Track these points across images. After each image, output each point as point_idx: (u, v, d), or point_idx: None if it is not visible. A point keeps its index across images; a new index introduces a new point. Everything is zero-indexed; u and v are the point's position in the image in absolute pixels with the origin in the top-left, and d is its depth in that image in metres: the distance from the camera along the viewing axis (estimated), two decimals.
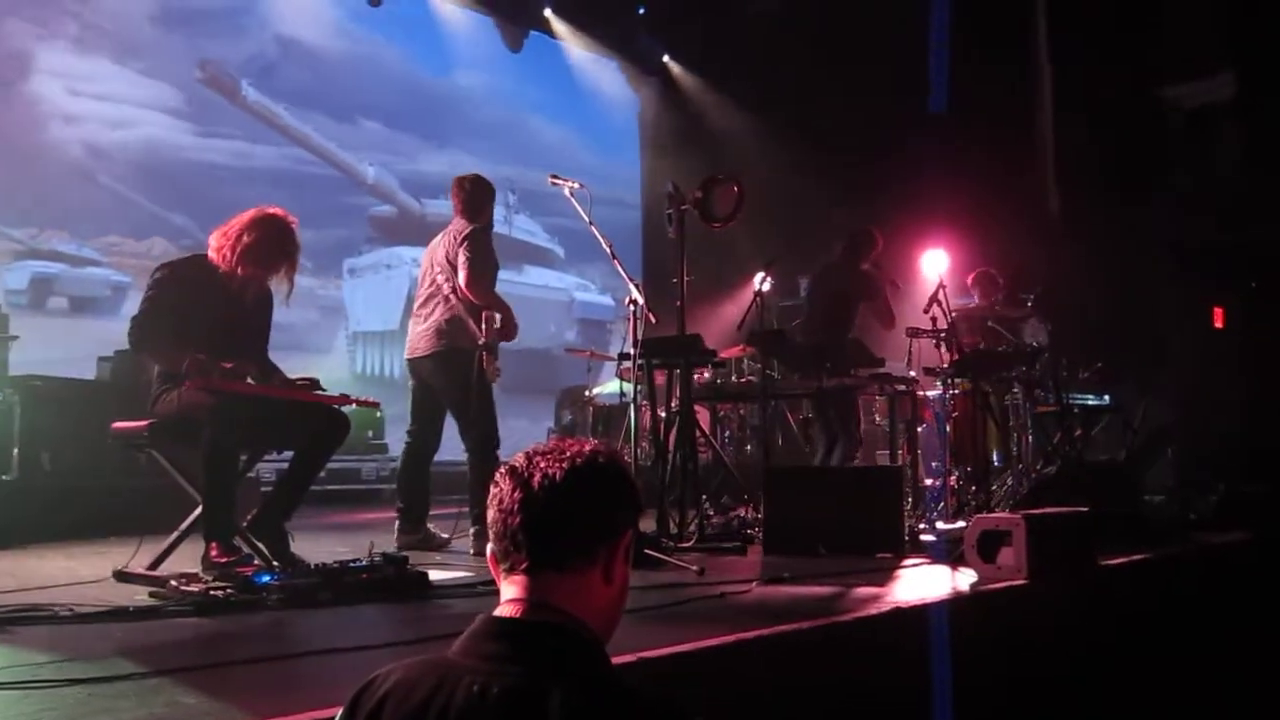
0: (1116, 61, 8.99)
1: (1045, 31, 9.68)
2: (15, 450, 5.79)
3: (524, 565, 1.36)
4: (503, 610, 1.37)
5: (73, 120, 8.87)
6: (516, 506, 1.36)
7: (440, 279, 5.33)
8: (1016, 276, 7.71)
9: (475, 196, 5.49)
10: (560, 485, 1.35)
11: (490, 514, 1.40)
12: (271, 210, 4.26)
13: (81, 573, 4.00)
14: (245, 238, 4.11)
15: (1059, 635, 3.96)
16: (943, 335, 6.32)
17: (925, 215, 8.44)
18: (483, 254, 5.29)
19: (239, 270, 4.12)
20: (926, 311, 6.45)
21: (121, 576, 3.75)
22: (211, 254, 4.16)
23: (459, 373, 5.13)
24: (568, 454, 1.38)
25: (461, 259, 5.20)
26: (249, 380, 4.05)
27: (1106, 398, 7.47)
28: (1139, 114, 9.36)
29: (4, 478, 5.74)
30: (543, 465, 1.37)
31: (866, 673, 3.14)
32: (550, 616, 1.34)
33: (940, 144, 8.91)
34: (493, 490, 1.40)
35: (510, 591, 1.38)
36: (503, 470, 1.40)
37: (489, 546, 1.43)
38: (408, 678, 1.31)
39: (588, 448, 1.41)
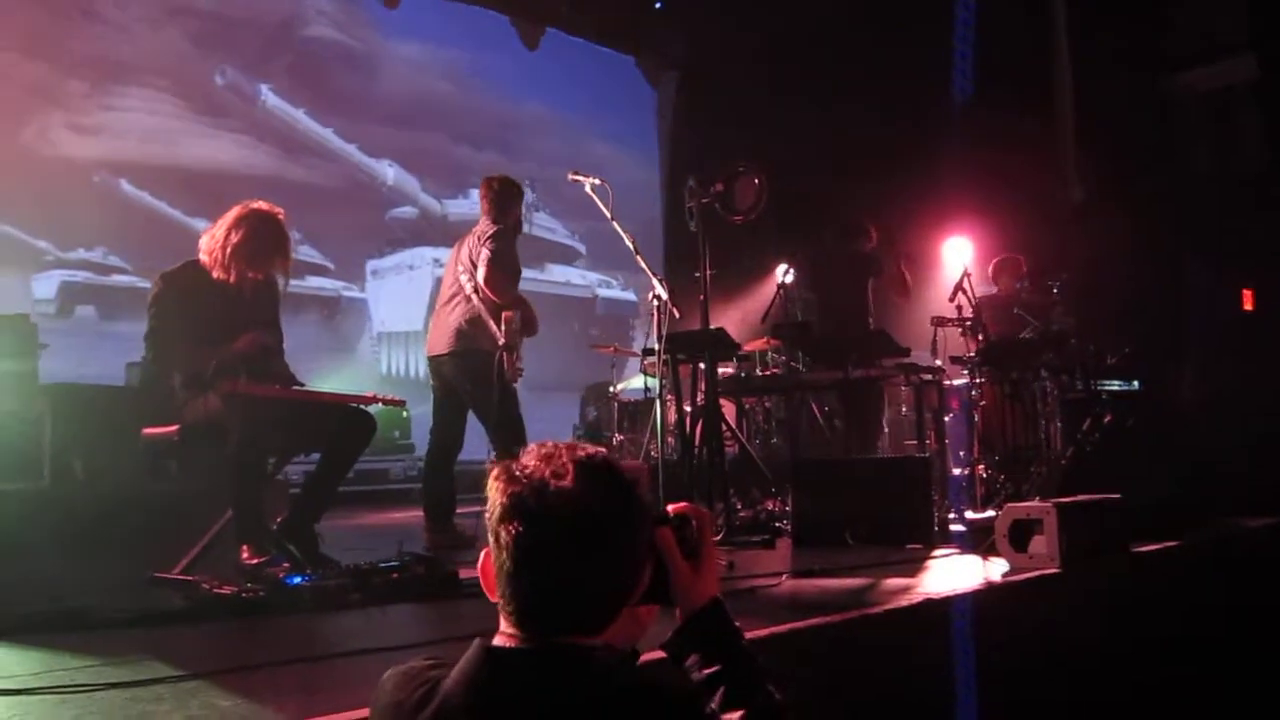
0: (1137, 45, 8.92)
1: (1064, 16, 9.60)
2: (47, 458, 5.83)
3: (517, 621, 1.27)
4: (500, 640, 1.29)
5: (95, 131, 8.95)
6: (509, 563, 1.25)
7: (463, 279, 5.35)
8: (1041, 263, 7.65)
9: (502, 197, 5.50)
10: (560, 552, 1.24)
11: (489, 529, 1.30)
12: (255, 205, 4.22)
13: (115, 578, 4.02)
14: (233, 236, 4.08)
15: (1093, 624, 3.93)
16: (968, 323, 6.27)
17: (948, 204, 8.39)
18: (504, 254, 5.30)
19: (235, 271, 4.09)
20: (952, 300, 6.40)
21: (155, 581, 3.78)
22: (203, 257, 4.13)
23: (479, 373, 5.15)
24: (570, 498, 1.24)
25: (483, 257, 5.22)
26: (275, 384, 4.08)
27: (1135, 383, 7.39)
28: (1160, 97, 9.27)
29: (37, 485, 5.79)
30: (545, 509, 1.24)
31: (898, 664, 3.13)
32: (556, 646, 1.25)
33: (962, 133, 8.85)
34: (489, 500, 1.29)
35: (507, 625, 1.29)
36: (504, 498, 1.27)
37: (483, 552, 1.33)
38: (400, 701, 1.28)
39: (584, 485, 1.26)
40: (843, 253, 6.84)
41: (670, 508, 1.44)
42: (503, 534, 1.25)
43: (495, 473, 1.29)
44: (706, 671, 1.37)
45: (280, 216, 4.25)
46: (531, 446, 1.32)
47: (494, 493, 1.27)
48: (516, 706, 1.22)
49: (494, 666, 1.25)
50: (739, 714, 1.32)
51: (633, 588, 1.32)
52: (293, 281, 4.58)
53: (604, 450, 1.36)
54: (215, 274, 4.10)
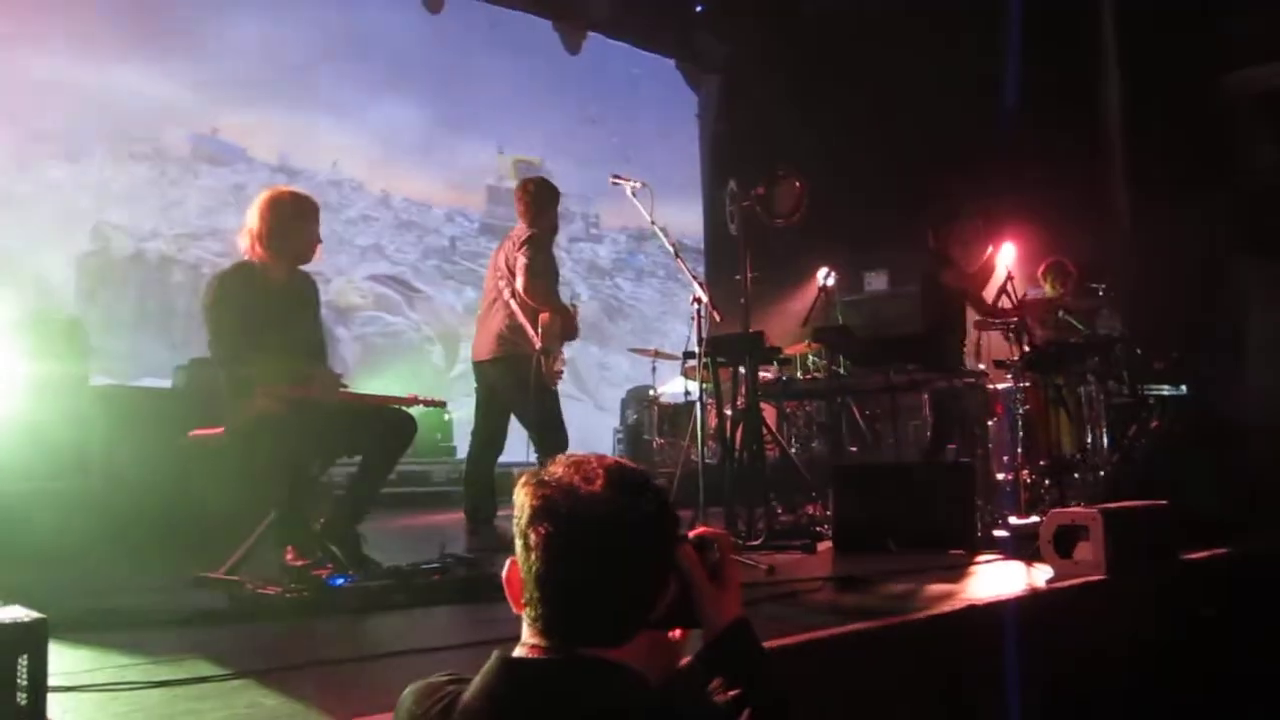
0: (1184, 47, 8.78)
1: (1113, 17, 9.49)
2: (96, 459, 5.93)
3: (543, 628, 1.27)
4: (521, 651, 1.29)
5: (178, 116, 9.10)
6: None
7: (501, 284, 5.37)
8: (1087, 267, 7.56)
9: (539, 200, 5.51)
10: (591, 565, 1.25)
11: (517, 534, 1.30)
12: (275, 190, 4.28)
13: (161, 578, 4.08)
14: (264, 225, 4.12)
15: (1140, 632, 3.87)
16: (1012, 327, 6.22)
17: (993, 207, 8.31)
18: (541, 259, 5.31)
19: (276, 255, 4.12)
20: (995, 303, 6.34)
21: (200, 581, 3.82)
22: (245, 254, 4.17)
23: (520, 377, 5.17)
24: (602, 514, 1.25)
25: (520, 263, 5.24)
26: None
27: (1183, 388, 7.29)
28: (1208, 100, 9.12)
29: (85, 485, 5.88)
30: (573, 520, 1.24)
31: (941, 671, 3.10)
32: (579, 657, 1.25)
33: (1007, 137, 8.77)
34: (518, 505, 1.29)
35: (530, 634, 1.29)
36: (535, 500, 1.27)
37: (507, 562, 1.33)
38: (418, 716, 1.28)
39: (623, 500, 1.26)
40: (932, 255, 6.76)
41: (691, 533, 1.44)
42: (532, 536, 1.25)
43: (524, 479, 1.30)
44: (731, 693, 1.37)
45: (302, 195, 4.28)
46: (559, 457, 1.32)
47: (523, 497, 1.28)
48: (537, 718, 1.21)
49: (513, 677, 1.25)
50: None
51: (655, 599, 1.32)
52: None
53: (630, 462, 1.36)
54: (261, 270, 4.13)
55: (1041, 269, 7.53)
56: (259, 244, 4.12)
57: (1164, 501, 4.44)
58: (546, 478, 1.28)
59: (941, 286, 6.49)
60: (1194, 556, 4.44)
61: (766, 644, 2.64)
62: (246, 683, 2.35)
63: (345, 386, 4.39)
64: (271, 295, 4.16)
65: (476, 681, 1.26)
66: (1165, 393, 7.17)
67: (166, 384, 6.88)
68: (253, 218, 4.16)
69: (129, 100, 8.88)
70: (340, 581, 3.53)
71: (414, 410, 4.45)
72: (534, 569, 1.26)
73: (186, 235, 9.19)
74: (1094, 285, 7.24)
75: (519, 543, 1.29)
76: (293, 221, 4.19)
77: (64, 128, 8.56)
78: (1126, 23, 9.35)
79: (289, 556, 3.89)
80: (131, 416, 6.12)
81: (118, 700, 2.21)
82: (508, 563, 1.33)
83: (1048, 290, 7.44)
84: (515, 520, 1.29)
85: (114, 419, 6.02)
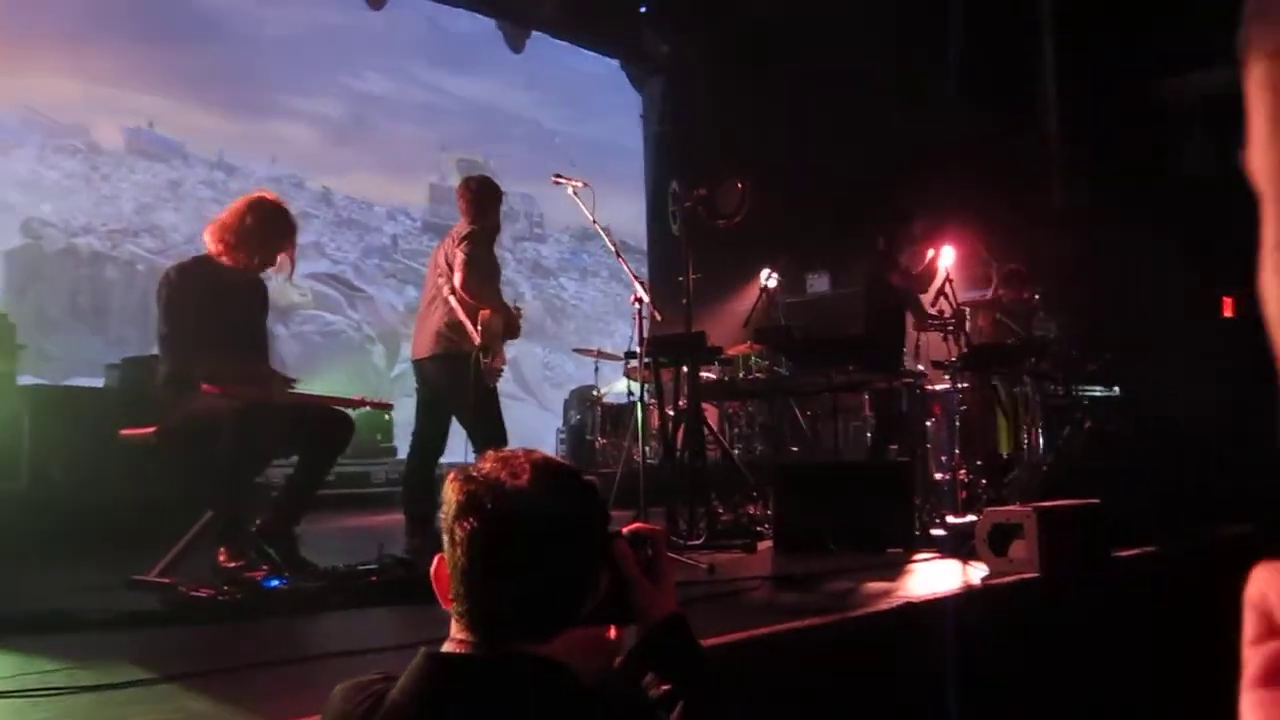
0: (1127, 49, 8.96)
1: (1051, 20, 9.65)
2: (24, 460, 5.80)
3: (469, 623, 1.27)
4: (448, 646, 1.28)
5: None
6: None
7: (441, 281, 5.33)
8: (1025, 269, 7.68)
9: (481, 198, 5.48)
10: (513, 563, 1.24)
11: (444, 529, 1.29)
12: (261, 193, 4.32)
13: (92, 580, 4.00)
14: (245, 222, 4.14)
15: (1072, 628, 3.94)
16: (950, 328, 6.30)
17: (932, 208, 8.41)
18: (479, 256, 5.28)
19: (241, 257, 4.12)
20: (934, 304, 6.43)
21: (132, 583, 3.75)
22: (210, 248, 4.16)
23: (459, 375, 5.14)
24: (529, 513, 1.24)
25: (459, 259, 5.20)
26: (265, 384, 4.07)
27: (1115, 389, 7.44)
28: (1146, 104, 9.32)
29: (13, 487, 5.75)
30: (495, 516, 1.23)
31: (879, 668, 3.13)
32: (505, 653, 1.24)
33: (947, 139, 8.89)
34: (445, 500, 1.28)
35: (457, 630, 1.28)
36: (461, 495, 1.26)
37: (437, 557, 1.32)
38: (346, 714, 1.26)
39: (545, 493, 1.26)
40: (882, 263, 6.83)
41: (625, 528, 1.44)
42: (457, 531, 1.25)
43: (452, 475, 1.30)
44: (664, 687, 1.37)
45: (286, 205, 4.37)
46: (489, 453, 1.32)
47: (450, 493, 1.27)
48: (463, 715, 1.20)
49: (439, 673, 1.24)
50: None
51: (584, 594, 1.31)
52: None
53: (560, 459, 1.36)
54: (223, 260, 4.13)
55: (1002, 274, 7.62)
56: (230, 241, 4.10)
57: (1096, 500, 4.52)
58: (474, 473, 1.28)
59: (886, 289, 6.57)
60: (1124, 554, 4.53)
61: (705, 642, 2.65)
62: (175, 687, 2.31)
63: (294, 386, 4.35)
64: (227, 293, 4.14)
65: (403, 679, 1.26)
66: (1098, 394, 7.31)
67: (99, 383, 6.74)
68: (232, 215, 4.15)
69: (60, 92, 8.68)
70: (275, 584, 3.49)
71: (355, 411, 4.41)
72: (459, 564, 1.25)
73: (120, 231, 9.00)
74: (1031, 287, 7.36)
75: (446, 538, 1.28)
76: (274, 237, 4.22)
77: None
78: (1065, 26, 9.52)
79: (223, 558, 3.83)
80: (62, 416, 6.00)
81: (40, 707, 2.16)
82: (436, 559, 1.32)
83: (1007, 295, 7.52)
84: (442, 516, 1.28)
85: (44, 419, 5.90)
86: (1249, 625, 0.41)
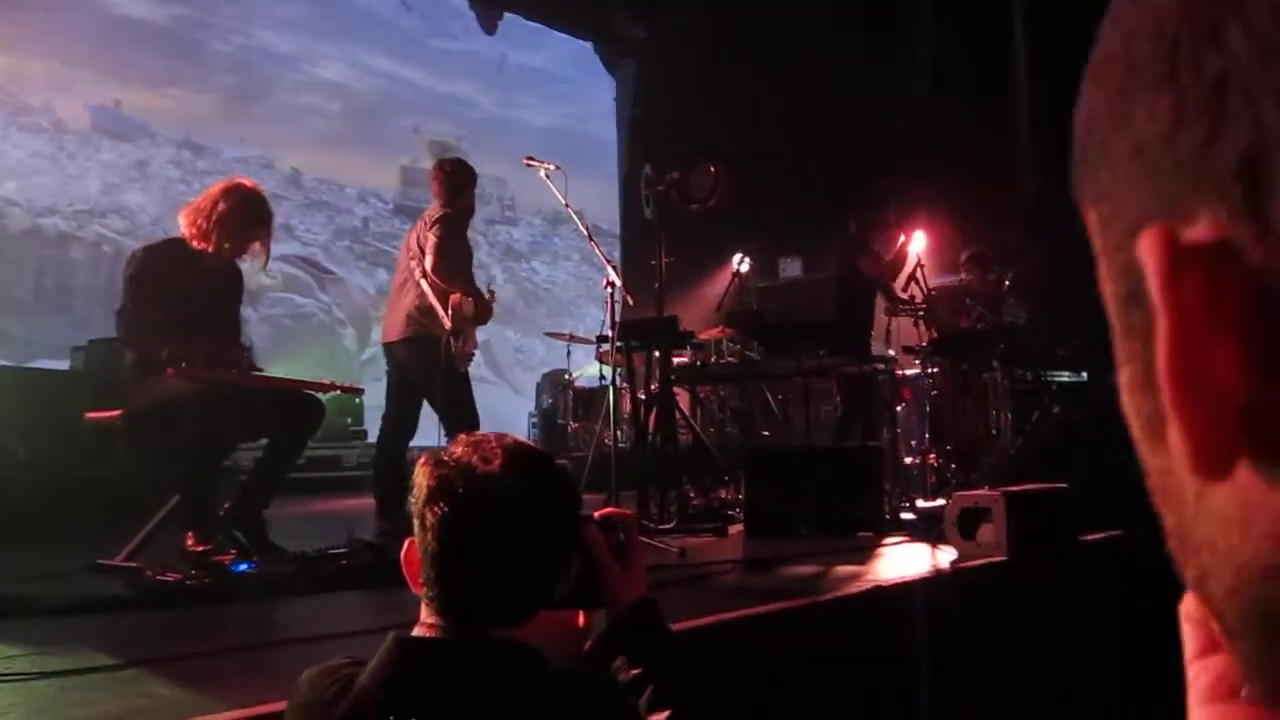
0: (1093, 41, 8.99)
1: (1023, 12, 9.68)
2: None
3: (439, 607, 1.26)
4: (418, 631, 1.28)
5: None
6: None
7: (412, 264, 5.30)
8: (993, 254, 7.72)
9: (454, 181, 5.44)
10: (483, 550, 1.23)
11: (414, 514, 1.28)
12: (239, 180, 4.28)
13: (56, 565, 3.95)
14: (220, 207, 4.10)
15: (1039, 611, 3.97)
16: (921, 314, 6.32)
17: (904, 195, 8.44)
18: (451, 239, 5.25)
19: (215, 242, 4.09)
20: (904, 290, 6.45)
21: (96, 568, 3.71)
22: (184, 231, 4.12)
23: (430, 359, 5.11)
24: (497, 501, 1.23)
25: (430, 242, 5.16)
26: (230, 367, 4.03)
27: (1084, 374, 7.49)
28: None
29: None
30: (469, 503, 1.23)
31: (848, 651, 3.14)
32: (475, 637, 1.24)
33: (919, 125, 8.91)
34: (416, 485, 1.27)
35: (428, 614, 1.28)
36: (431, 480, 1.25)
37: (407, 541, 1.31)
38: (314, 700, 1.26)
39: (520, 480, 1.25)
40: (838, 239, 6.84)
41: (596, 513, 1.44)
42: (428, 516, 1.24)
43: (423, 459, 1.29)
44: (634, 671, 1.37)
45: (264, 193, 4.33)
46: (460, 437, 1.31)
47: (421, 477, 1.27)
48: (433, 699, 1.20)
49: (409, 658, 1.23)
50: (665, 714, 1.32)
51: (556, 579, 1.32)
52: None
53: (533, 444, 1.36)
54: (195, 244, 4.09)
55: (964, 258, 7.65)
56: (204, 225, 4.06)
57: (1064, 485, 4.56)
58: (445, 457, 1.27)
59: (858, 274, 6.58)
60: (1091, 538, 4.57)
61: (676, 626, 2.66)
62: (139, 672, 2.29)
63: (261, 371, 4.31)
64: (197, 276, 4.10)
65: (372, 663, 1.25)
66: (1066, 379, 7.36)
67: (64, 365, 6.66)
68: (206, 200, 4.12)
69: (24, 68, 8.54)
70: (243, 568, 3.46)
71: (325, 394, 4.38)
72: (430, 549, 1.24)
73: (86, 211, 8.88)
74: (1001, 273, 7.39)
75: (416, 522, 1.28)
76: (248, 224, 4.19)
77: None
78: (1037, 18, 9.55)
79: (190, 542, 3.79)
80: (26, 398, 5.93)
81: (2, 692, 2.13)
82: (406, 543, 1.32)
83: (969, 278, 7.56)
84: (413, 500, 1.28)
85: (8, 400, 5.83)
86: (1190, 640, 0.40)
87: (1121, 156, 0.34)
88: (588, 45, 13.18)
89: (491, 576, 1.25)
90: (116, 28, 9.15)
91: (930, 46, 8.38)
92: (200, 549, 3.75)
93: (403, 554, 1.32)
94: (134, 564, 3.66)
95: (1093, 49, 0.37)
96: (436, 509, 1.24)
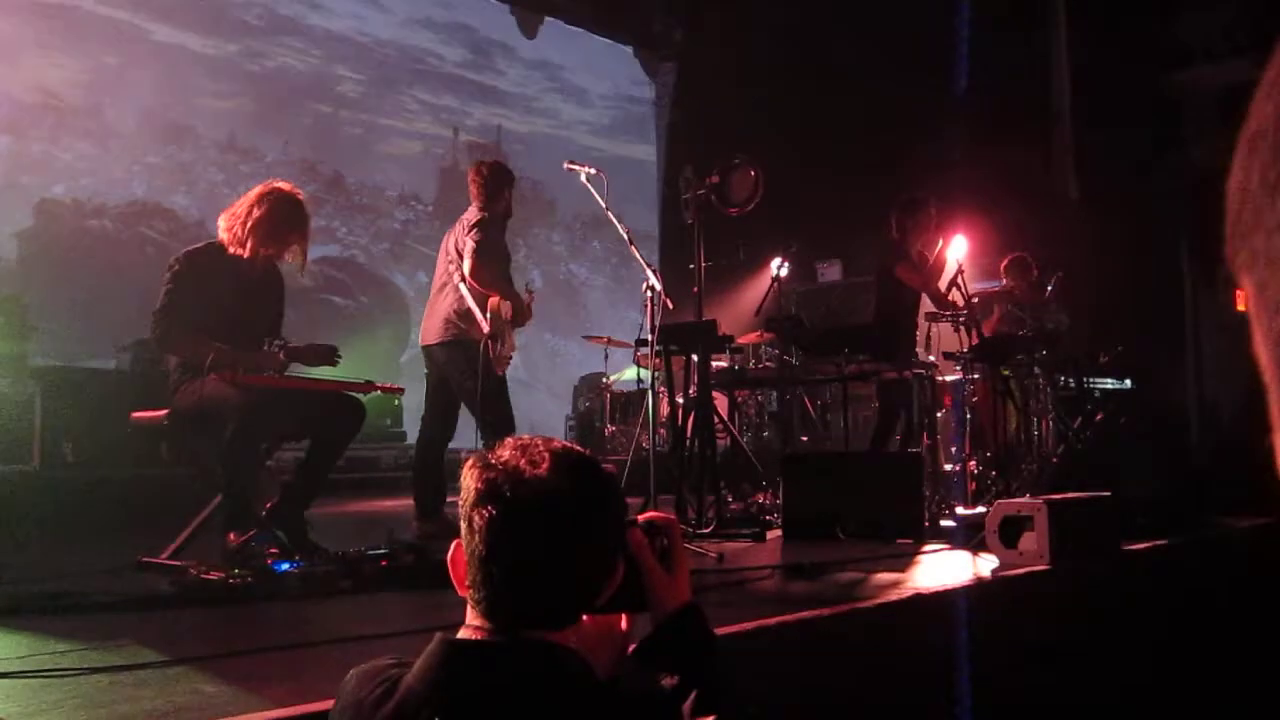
0: (1140, 41, 8.91)
1: (1064, 12, 9.59)
2: (37, 441, 5.82)
3: (485, 610, 1.27)
4: (464, 633, 1.28)
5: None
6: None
7: (451, 268, 5.33)
8: (1036, 260, 7.64)
9: (492, 183, 5.46)
10: (533, 553, 1.24)
11: (462, 516, 1.29)
12: (277, 184, 4.29)
13: (102, 562, 4.01)
14: (255, 212, 4.12)
15: (1082, 620, 3.93)
16: (962, 319, 6.27)
17: (944, 199, 8.38)
18: (489, 242, 5.27)
19: (251, 247, 4.12)
20: (945, 295, 6.40)
21: (142, 565, 3.76)
22: (222, 235, 4.16)
23: (468, 362, 5.14)
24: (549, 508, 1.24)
25: (468, 246, 5.19)
26: (271, 371, 4.08)
27: (1127, 381, 7.41)
28: (1163, 94, 9.26)
29: (26, 468, 5.78)
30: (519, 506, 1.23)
31: (887, 659, 3.12)
32: (521, 640, 1.24)
33: (959, 129, 8.84)
34: (464, 487, 1.28)
35: (474, 616, 1.28)
36: (479, 483, 1.26)
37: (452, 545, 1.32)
38: (361, 700, 1.26)
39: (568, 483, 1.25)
40: (878, 242, 6.77)
41: (640, 517, 1.44)
42: (475, 519, 1.25)
43: (471, 461, 1.29)
44: (678, 676, 1.37)
45: (301, 197, 4.33)
46: (507, 440, 1.31)
47: (469, 479, 1.27)
48: (479, 700, 1.20)
49: (456, 660, 1.24)
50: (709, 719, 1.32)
51: (602, 583, 1.32)
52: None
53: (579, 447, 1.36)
54: (232, 250, 4.12)
55: (1005, 263, 7.58)
56: (239, 232, 4.09)
57: (1107, 493, 4.51)
58: (493, 460, 1.27)
59: (897, 279, 6.53)
60: (1135, 547, 4.52)
61: (716, 631, 2.65)
62: (186, 669, 2.32)
63: (298, 349, 4.34)
64: (237, 280, 4.14)
65: (418, 664, 1.26)
66: (1109, 386, 7.27)
67: (110, 365, 6.76)
68: (244, 204, 4.14)
69: (72, 75, 8.69)
70: (285, 567, 3.49)
71: (365, 395, 4.41)
72: (477, 551, 1.25)
73: (134, 213, 9.01)
74: (1043, 278, 7.32)
75: (464, 525, 1.28)
76: (285, 228, 4.20)
77: (3, 99, 8.37)
78: (1078, 16, 9.45)
79: (231, 539, 3.84)
80: (74, 398, 6.03)
81: (51, 687, 2.16)
82: (453, 544, 1.32)
83: (1010, 284, 7.49)
84: (461, 502, 1.28)
85: (56, 400, 5.93)
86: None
87: (1277, 225, 0.33)
88: (627, 49, 13.20)
89: (538, 579, 1.26)
90: (166, 38, 9.28)
91: (969, 50, 8.31)
92: (242, 548, 3.79)
93: (449, 556, 1.32)
94: (179, 562, 3.70)
95: (1246, 120, 0.37)
96: (484, 512, 1.24)
